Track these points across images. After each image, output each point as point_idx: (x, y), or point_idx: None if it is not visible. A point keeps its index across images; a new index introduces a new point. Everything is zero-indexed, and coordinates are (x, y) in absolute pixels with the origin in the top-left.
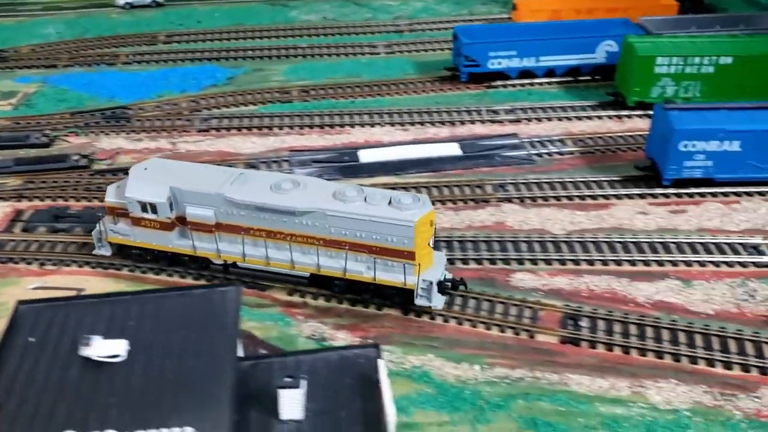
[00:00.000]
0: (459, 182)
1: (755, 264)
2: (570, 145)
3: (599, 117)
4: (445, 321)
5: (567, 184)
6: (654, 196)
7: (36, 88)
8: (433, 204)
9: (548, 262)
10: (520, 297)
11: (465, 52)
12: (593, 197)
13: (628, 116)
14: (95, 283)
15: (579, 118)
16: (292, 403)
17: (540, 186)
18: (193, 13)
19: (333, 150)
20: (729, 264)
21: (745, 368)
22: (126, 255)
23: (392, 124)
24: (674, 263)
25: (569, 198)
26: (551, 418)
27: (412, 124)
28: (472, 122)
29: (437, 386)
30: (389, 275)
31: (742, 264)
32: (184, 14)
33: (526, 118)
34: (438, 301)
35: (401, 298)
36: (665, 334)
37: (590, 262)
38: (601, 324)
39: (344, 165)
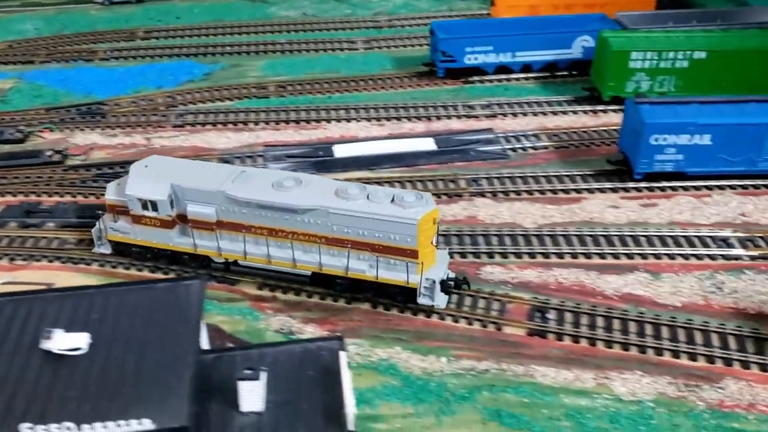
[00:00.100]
0: (433, 177)
1: (724, 257)
2: (544, 140)
3: (574, 112)
4: (414, 314)
5: (540, 179)
6: (626, 189)
7: (12, 84)
8: None
9: (518, 255)
10: (489, 290)
11: (441, 48)
12: (565, 191)
13: (603, 111)
14: (65, 278)
15: (554, 113)
16: (252, 395)
17: (513, 180)
18: (173, 9)
19: (308, 145)
20: (698, 257)
21: (710, 359)
22: (126, 253)
23: (368, 120)
24: (644, 256)
25: (541, 192)
26: (515, 410)
27: (388, 119)
28: (448, 117)
29: (403, 378)
30: (392, 274)
31: (711, 257)
32: (164, 10)
33: (501, 114)
34: (441, 300)
35: (404, 297)
36: (632, 326)
37: (560, 255)
38: (568, 316)
39: (318, 160)
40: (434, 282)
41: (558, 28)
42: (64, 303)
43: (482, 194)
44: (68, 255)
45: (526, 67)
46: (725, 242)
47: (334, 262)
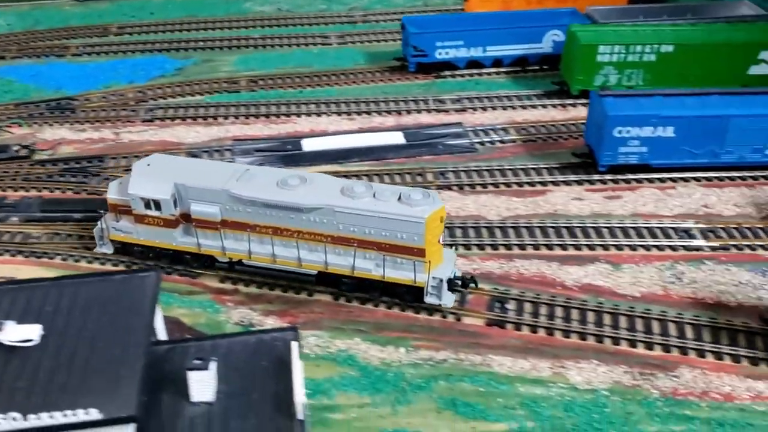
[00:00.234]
0: (401, 170)
1: (685, 248)
2: (513, 134)
3: (544, 106)
4: (375, 306)
5: (506, 172)
6: (590, 182)
7: None
8: None
9: (481, 247)
10: None
11: (412, 42)
12: (531, 184)
13: (573, 105)
14: (27, 272)
15: (524, 107)
16: (201, 385)
17: (480, 173)
18: (147, 5)
19: (277, 139)
20: (659, 248)
21: (666, 348)
22: (128, 252)
23: (338, 114)
24: (605, 247)
25: (507, 185)
26: (471, 399)
27: (359, 113)
28: (418, 111)
29: (361, 369)
30: (398, 273)
31: (673, 248)
32: (138, 6)
33: (471, 108)
34: (448, 299)
35: (410, 296)
36: (590, 316)
37: (522, 247)
38: (527, 307)
39: (287, 154)
40: (441, 281)
41: (528, 23)
42: (18, 295)
43: (449, 187)
44: (31, 249)
45: (498, 62)
46: (687, 233)
47: (340, 262)
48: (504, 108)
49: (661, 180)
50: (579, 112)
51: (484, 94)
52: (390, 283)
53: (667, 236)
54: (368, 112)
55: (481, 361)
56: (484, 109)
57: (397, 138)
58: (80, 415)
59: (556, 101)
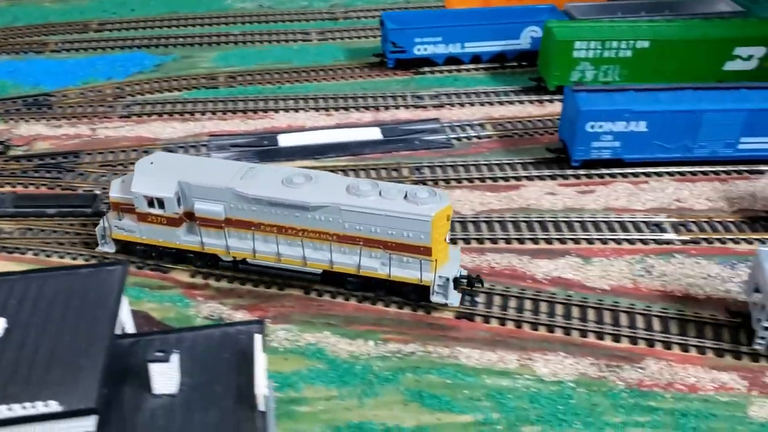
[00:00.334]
0: (377, 166)
1: (656, 241)
2: (489, 129)
3: (521, 102)
4: (346, 299)
5: (481, 167)
6: (564, 177)
7: None
8: None
9: (453, 241)
10: None
11: (391, 38)
12: (505, 179)
13: (549, 101)
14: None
15: (501, 103)
16: (163, 378)
17: (455, 169)
18: (128, 2)
19: (253, 135)
20: (630, 241)
21: (633, 341)
22: (130, 252)
23: (316, 110)
24: (576, 241)
25: (482, 180)
26: (437, 391)
27: (336, 109)
28: (396, 107)
29: (329, 362)
30: (405, 271)
31: (644, 241)
32: (119, 2)
33: (449, 104)
34: (454, 298)
35: (416, 295)
36: (559, 309)
37: (494, 241)
38: (496, 299)
39: (263, 149)
40: (448, 280)
41: (506, 19)
42: None
43: (424, 182)
44: (2, 244)
45: (476, 58)
46: (658, 227)
47: (345, 260)
48: (481, 104)
49: (635, 175)
50: (555, 107)
51: (462, 90)
52: (396, 282)
53: (639, 230)
54: (346, 108)
55: (448, 353)
56: (461, 105)
57: (374, 133)
58: (40, 408)
59: (534, 97)
